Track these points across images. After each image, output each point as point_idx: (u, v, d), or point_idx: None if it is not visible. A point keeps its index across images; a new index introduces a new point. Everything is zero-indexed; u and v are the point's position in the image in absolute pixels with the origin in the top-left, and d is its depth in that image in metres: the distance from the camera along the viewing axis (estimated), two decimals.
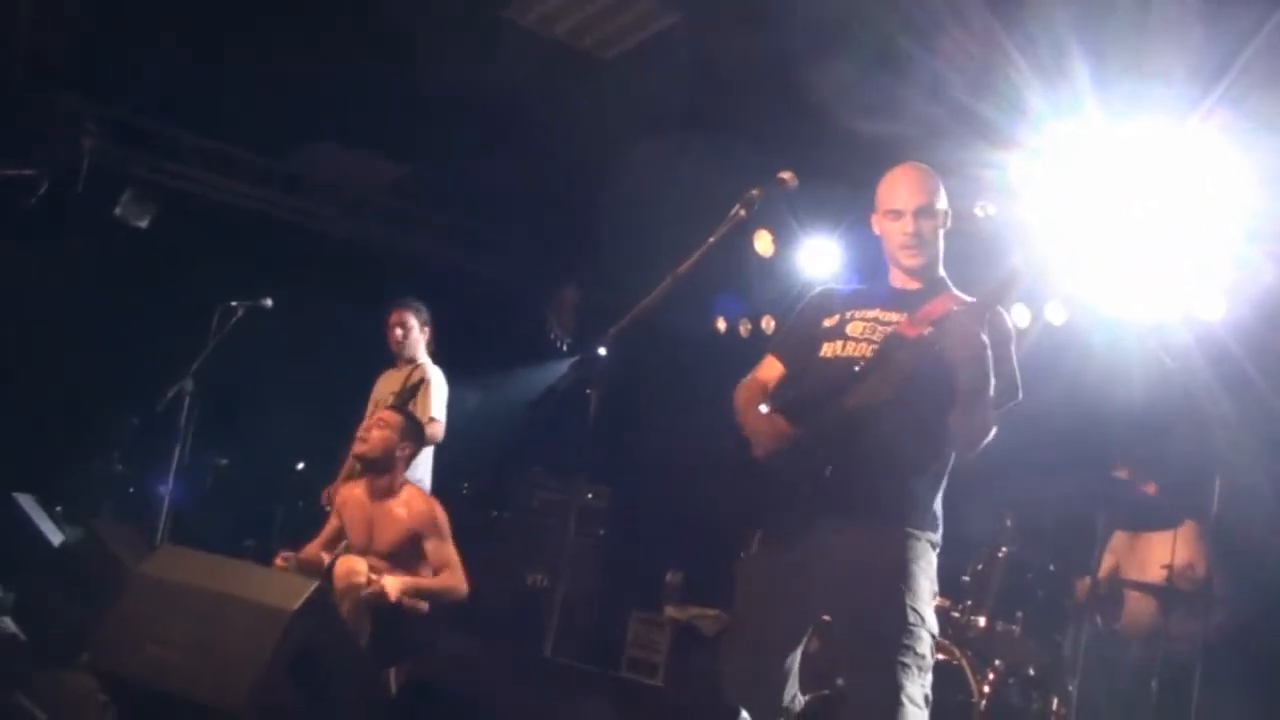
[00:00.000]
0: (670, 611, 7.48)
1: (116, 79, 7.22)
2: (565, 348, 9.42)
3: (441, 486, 8.59)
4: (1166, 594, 5.61)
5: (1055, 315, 6.68)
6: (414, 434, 5.36)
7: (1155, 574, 5.82)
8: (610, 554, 7.85)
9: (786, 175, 3.61)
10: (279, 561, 5.18)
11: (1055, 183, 5.97)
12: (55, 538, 5.97)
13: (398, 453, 5.25)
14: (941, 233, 3.67)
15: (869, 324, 3.61)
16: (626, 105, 6.51)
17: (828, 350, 3.62)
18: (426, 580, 5.04)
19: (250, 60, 6.60)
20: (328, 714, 3.30)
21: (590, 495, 7.82)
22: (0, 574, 5.67)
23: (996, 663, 5.59)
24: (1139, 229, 5.91)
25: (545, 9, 6.11)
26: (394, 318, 6.28)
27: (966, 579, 5.98)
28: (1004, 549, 5.89)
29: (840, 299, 3.79)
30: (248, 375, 6.50)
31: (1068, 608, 5.82)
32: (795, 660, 3.51)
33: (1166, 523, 5.93)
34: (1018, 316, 6.85)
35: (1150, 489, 5.81)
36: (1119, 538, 6.08)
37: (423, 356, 6.34)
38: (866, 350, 3.52)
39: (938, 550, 3.53)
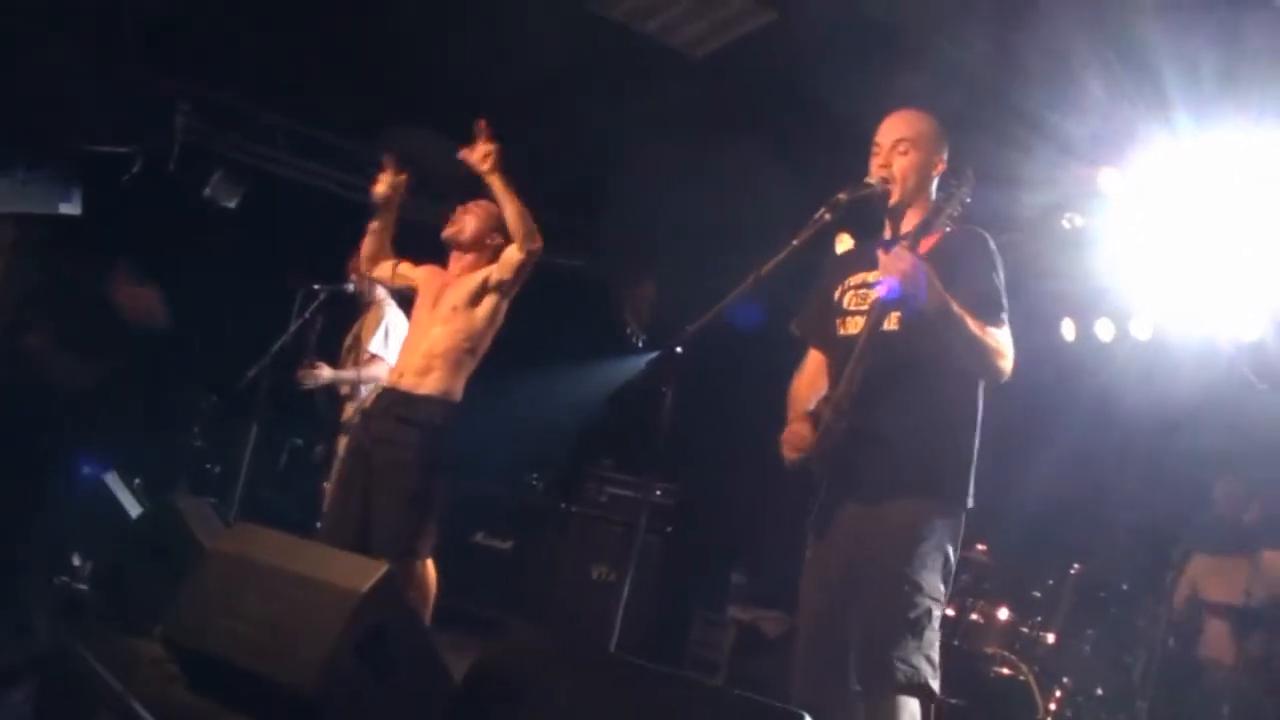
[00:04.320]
0: (734, 612, 7.46)
1: (211, 60, 7.32)
2: (640, 343, 9.43)
3: (513, 476, 8.68)
4: (1245, 617, 5.51)
5: (1141, 331, 6.56)
6: (503, 227, 5.23)
7: (1232, 597, 5.72)
8: (677, 552, 7.84)
9: (874, 181, 3.59)
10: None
11: (1144, 195, 5.88)
12: (134, 510, 6.09)
13: (488, 240, 5.25)
14: (932, 175, 3.61)
15: (859, 292, 3.62)
16: (714, 104, 6.50)
17: (838, 329, 3.64)
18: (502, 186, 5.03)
19: (342, 43, 6.68)
20: (395, 697, 3.33)
21: (659, 492, 7.82)
22: (81, 543, 5.79)
23: (1064, 680, 5.53)
24: (1228, 244, 5.81)
25: (637, 3, 6.11)
26: (354, 264, 6.32)
27: (1037, 595, 5.92)
28: (1076, 566, 5.81)
29: (840, 266, 3.80)
30: (327, 358, 6.56)
31: (1140, 628, 5.73)
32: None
33: (1249, 547, 5.83)
34: (1101, 331, 6.76)
35: (1252, 514, 5.71)
36: (1197, 561, 5.95)
37: None
38: (860, 324, 3.51)
39: (959, 515, 3.48)
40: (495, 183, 5.00)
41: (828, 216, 3.48)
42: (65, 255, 6.75)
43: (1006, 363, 3.45)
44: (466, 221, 5.26)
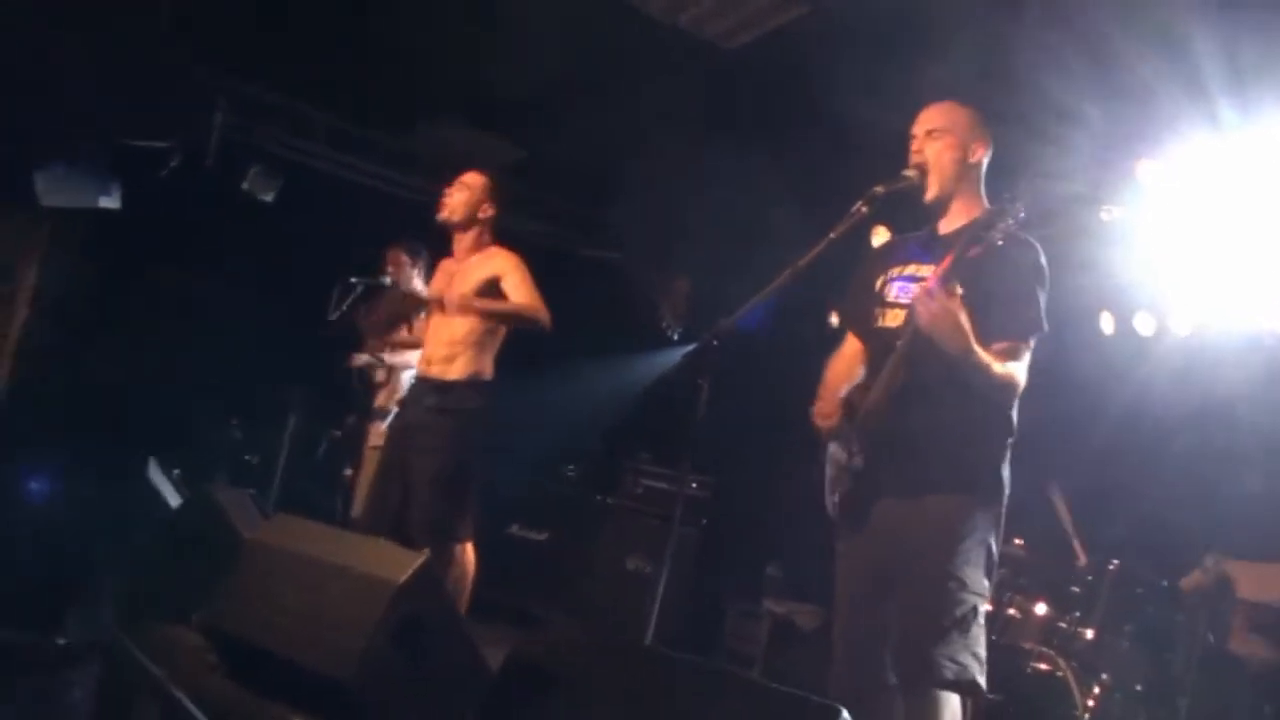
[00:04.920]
0: (769, 604, 7.46)
1: (248, 54, 7.37)
2: (676, 337, 9.43)
3: (549, 469, 8.70)
4: None
5: (1181, 325, 6.50)
6: (496, 194, 5.33)
7: (1276, 594, 5.65)
8: (712, 544, 7.84)
9: (911, 173, 3.57)
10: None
11: (1183, 187, 5.83)
12: (173, 500, 6.14)
13: (480, 214, 5.28)
14: (969, 162, 3.59)
15: (902, 284, 3.60)
16: (749, 97, 6.48)
17: (878, 319, 3.62)
18: (500, 303, 5.05)
19: (378, 38, 6.71)
20: (431, 687, 3.34)
21: (695, 485, 7.82)
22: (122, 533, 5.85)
23: (1103, 676, 5.48)
24: (1268, 236, 5.74)
25: None
26: (389, 256, 6.67)
27: (1075, 590, 5.88)
28: (1115, 561, 5.77)
29: (885, 255, 3.78)
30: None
31: (1180, 624, 5.68)
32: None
33: None
34: (1141, 325, 6.70)
35: None
36: (1231, 564, 5.88)
37: (421, 286, 6.57)
38: (901, 318, 3.50)
39: (999, 509, 3.47)
40: (476, 315, 5.04)
41: (864, 209, 3.48)
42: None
43: (1014, 394, 3.46)
44: (454, 200, 5.29)
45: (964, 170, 3.59)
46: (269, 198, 8.03)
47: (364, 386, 6.67)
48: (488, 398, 5.13)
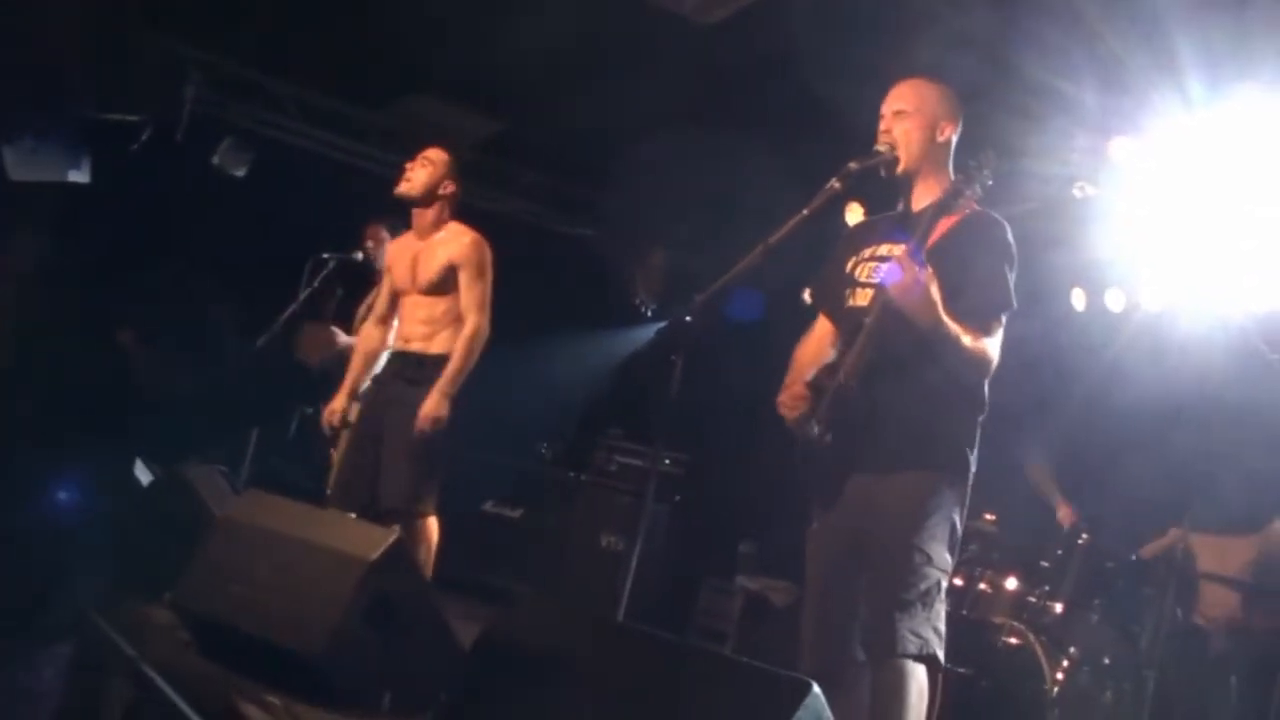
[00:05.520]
0: (742, 581, 7.48)
1: (220, 27, 7.30)
2: (650, 313, 9.42)
3: (521, 447, 8.70)
4: (1250, 588, 5.51)
5: (1152, 301, 6.54)
6: (458, 172, 5.31)
7: (1236, 568, 5.71)
8: (685, 521, 7.86)
9: (883, 148, 3.57)
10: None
11: (1156, 164, 5.85)
12: (145, 478, 6.11)
13: (440, 190, 5.24)
14: (937, 140, 3.58)
15: (871, 265, 3.61)
16: (724, 74, 6.46)
17: (849, 299, 3.63)
18: (448, 374, 5.03)
19: (351, 11, 6.66)
20: (403, 663, 3.35)
21: (668, 461, 7.83)
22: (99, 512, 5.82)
23: (1071, 650, 5.53)
24: (1241, 213, 5.77)
25: None
26: (368, 232, 6.50)
27: (1045, 564, 5.92)
28: (1085, 536, 5.82)
29: (855, 237, 3.80)
30: (337, 325, 6.57)
31: (1148, 597, 5.73)
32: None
33: (1254, 520, 5.82)
34: (1112, 301, 6.74)
35: None
36: (1196, 539, 5.92)
37: None
38: (870, 296, 3.51)
39: (964, 485, 3.50)
40: (448, 390, 5.01)
41: (837, 185, 3.48)
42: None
43: (986, 370, 3.47)
44: (415, 175, 5.26)
45: (932, 149, 3.59)
46: (240, 172, 7.97)
47: (341, 371, 6.63)
48: (478, 378, 5.17)
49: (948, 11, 5.17)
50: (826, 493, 3.54)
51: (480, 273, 5.15)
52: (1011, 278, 3.49)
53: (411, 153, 5.46)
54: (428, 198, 5.24)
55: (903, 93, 3.61)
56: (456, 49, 6.82)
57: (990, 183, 3.42)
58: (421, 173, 5.24)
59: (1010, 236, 3.52)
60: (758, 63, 6.29)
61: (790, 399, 3.55)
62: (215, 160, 7.86)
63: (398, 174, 5.35)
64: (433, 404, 4.97)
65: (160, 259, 7.26)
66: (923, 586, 3.34)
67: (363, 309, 6.64)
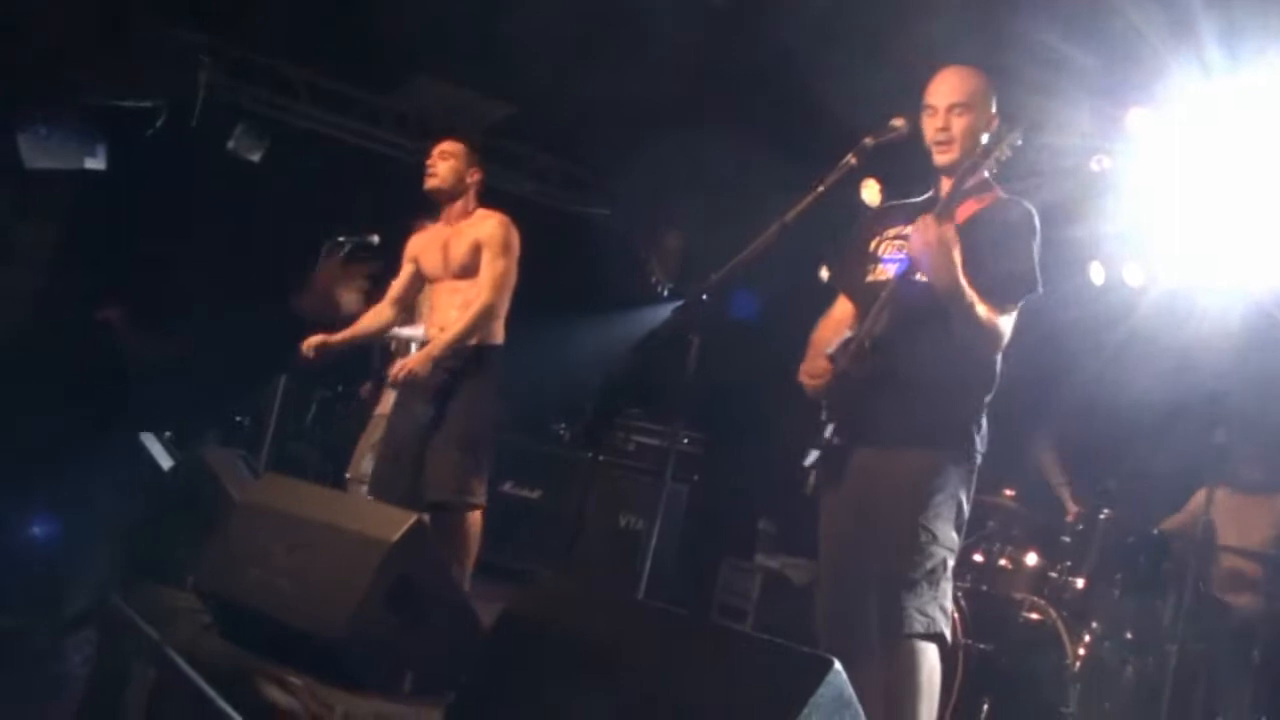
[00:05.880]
0: (762, 559, 7.49)
1: (233, 12, 7.30)
2: (666, 293, 9.41)
3: (539, 428, 8.71)
4: (1272, 561, 5.49)
5: (1170, 274, 6.50)
6: (478, 158, 5.39)
7: (1258, 541, 5.69)
8: (704, 500, 7.87)
9: (899, 122, 3.56)
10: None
11: (1174, 136, 5.81)
12: (165, 462, 6.14)
13: (467, 179, 5.31)
14: (984, 135, 3.55)
15: (894, 243, 3.62)
16: (738, 51, 6.43)
17: (868, 275, 3.65)
18: (443, 338, 5.05)
19: None
20: (424, 645, 3.35)
21: (686, 441, 7.83)
22: (116, 496, 5.84)
23: (1093, 625, 5.53)
24: (1260, 185, 5.73)
25: None
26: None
27: (1066, 540, 5.91)
28: (1106, 511, 5.80)
29: (881, 217, 3.81)
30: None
31: (1169, 572, 5.71)
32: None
33: (1274, 490, 5.80)
34: (1130, 275, 6.70)
35: None
36: (1221, 497, 5.88)
37: None
38: (889, 273, 3.54)
39: (971, 465, 3.51)
40: (435, 353, 5.00)
41: (853, 161, 3.48)
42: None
43: (997, 344, 3.47)
44: (440, 169, 5.31)
45: (980, 143, 3.57)
46: (255, 157, 7.98)
47: (383, 354, 6.62)
48: (498, 362, 5.18)
49: None
50: (834, 467, 3.54)
51: (502, 251, 5.17)
52: (1034, 260, 3.49)
53: (424, 137, 5.48)
54: (456, 189, 5.30)
55: (955, 85, 3.58)
56: (467, 32, 6.80)
57: (1019, 143, 3.42)
58: (444, 166, 5.29)
59: (1037, 222, 3.52)
60: (774, 39, 6.26)
61: (811, 370, 3.56)
62: (230, 145, 7.87)
63: (415, 157, 5.38)
64: (416, 359, 4.98)
65: (170, 243, 7.27)
66: (929, 565, 3.36)
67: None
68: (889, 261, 3.61)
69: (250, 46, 7.85)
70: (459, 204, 5.32)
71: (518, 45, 6.82)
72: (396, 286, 5.51)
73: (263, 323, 6.24)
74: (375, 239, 6.47)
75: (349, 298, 6.20)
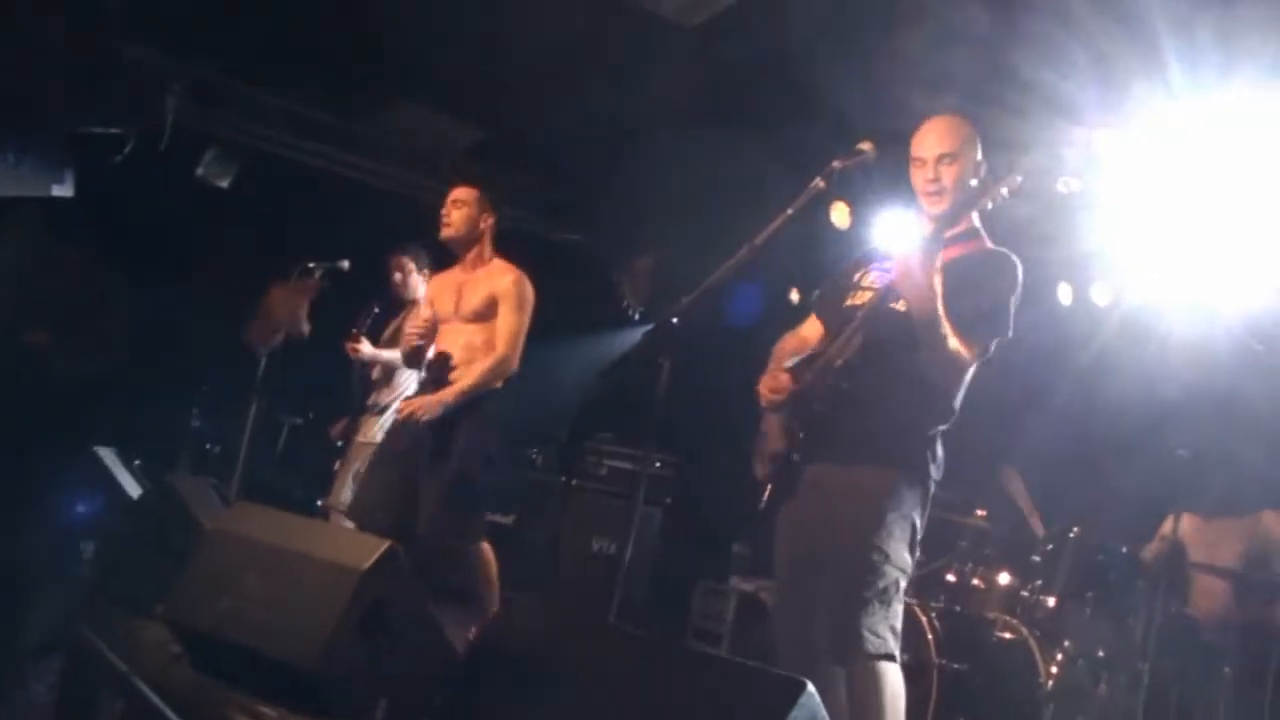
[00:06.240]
0: (736, 582, 7.47)
1: (202, 38, 7.28)
2: (638, 316, 9.42)
3: (513, 452, 8.68)
4: (1242, 580, 5.52)
5: (1138, 295, 6.56)
6: (491, 205, 5.45)
7: (1226, 559, 5.72)
8: (677, 523, 7.85)
9: (866, 146, 3.59)
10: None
11: (1141, 159, 5.86)
12: (134, 491, 6.09)
13: (481, 225, 5.38)
14: (972, 183, 3.60)
15: (880, 274, 3.67)
16: (708, 75, 6.46)
17: (848, 300, 3.71)
18: (459, 386, 5.09)
19: (336, 20, 6.64)
20: (397, 672, 3.34)
21: (659, 464, 7.82)
22: (82, 526, 5.80)
23: (1065, 643, 5.54)
24: (1226, 206, 5.79)
25: None
26: (394, 263, 6.61)
27: (1037, 559, 5.93)
28: (1076, 529, 5.83)
29: (873, 255, 3.86)
30: (324, 336, 6.56)
31: (1140, 590, 5.75)
32: None
33: (1242, 509, 5.84)
34: (1097, 295, 6.75)
35: None
36: (1187, 521, 5.94)
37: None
38: (867, 298, 3.60)
39: (926, 487, 3.54)
40: (449, 400, 5.06)
41: (822, 184, 3.50)
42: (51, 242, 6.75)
43: (958, 377, 3.54)
44: (454, 218, 5.38)
45: (971, 191, 3.61)
46: (225, 183, 7.95)
47: (362, 385, 6.60)
48: (498, 403, 5.25)
49: (931, 5, 5.18)
50: (791, 480, 3.58)
51: (518, 306, 5.27)
52: (1011, 306, 3.55)
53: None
54: (470, 235, 5.37)
55: (945, 136, 3.62)
56: (440, 56, 6.81)
57: (1006, 196, 3.46)
58: (457, 215, 5.36)
59: (1020, 275, 3.57)
60: (745, 63, 6.29)
61: (771, 383, 3.59)
62: (199, 171, 7.84)
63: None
64: (426, 404, 5.02)
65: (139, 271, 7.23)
66: (881, 585, 3.38)
67: (389, 331, 6.63)
68: (869, 289, 3.65)
69: (219, 71, 7.82)
70: (475, 251, 5.39)
71: (490, 70, 6.84)
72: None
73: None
74: (345, 265, 6.46)
75: (299, 317, 6.23)
